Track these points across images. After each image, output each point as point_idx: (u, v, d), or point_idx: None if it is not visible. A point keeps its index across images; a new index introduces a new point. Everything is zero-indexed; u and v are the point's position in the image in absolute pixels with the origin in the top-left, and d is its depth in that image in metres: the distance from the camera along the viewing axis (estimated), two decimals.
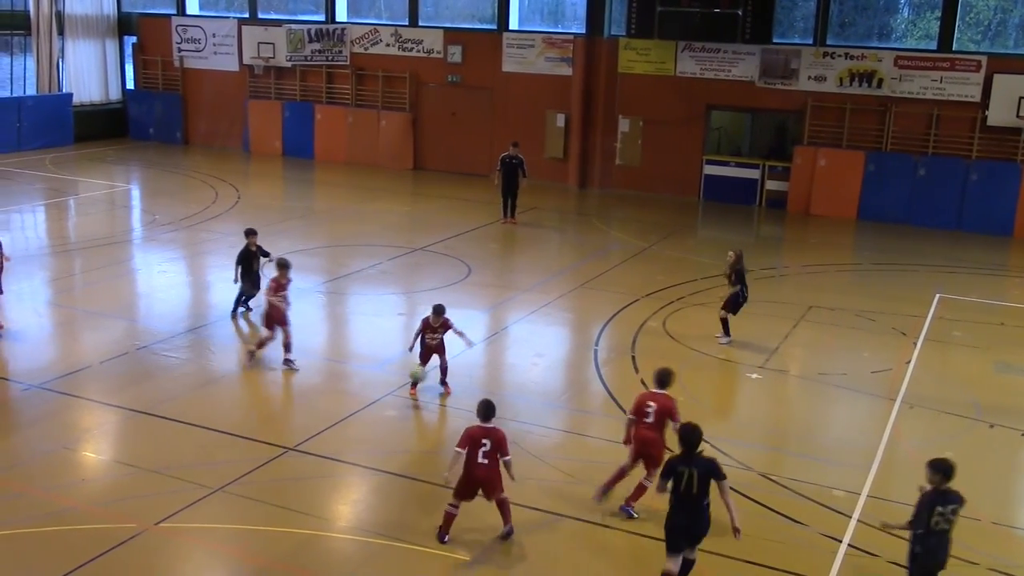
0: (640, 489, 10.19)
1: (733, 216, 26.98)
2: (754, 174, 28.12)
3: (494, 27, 30.74)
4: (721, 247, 23.03)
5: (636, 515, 10.18)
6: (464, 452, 9.39)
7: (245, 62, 33.58)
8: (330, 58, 32.49)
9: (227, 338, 15.56)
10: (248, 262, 15.95)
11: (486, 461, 9.40)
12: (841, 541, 9.86)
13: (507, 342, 15.98)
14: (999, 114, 25.03)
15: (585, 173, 29.99)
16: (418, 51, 31.46)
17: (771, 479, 11.18)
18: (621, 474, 10.36)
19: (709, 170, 28.64)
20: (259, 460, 11.11)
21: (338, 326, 16.91)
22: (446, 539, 9.58)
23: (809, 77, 27.06)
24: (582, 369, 14.93)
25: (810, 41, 27.41)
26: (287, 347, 14.01)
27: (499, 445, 9.46)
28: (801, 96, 27.17)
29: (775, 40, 27.53)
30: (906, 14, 29.24)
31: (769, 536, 9.96)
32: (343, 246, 21.67)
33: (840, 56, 26.76)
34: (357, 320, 16.97)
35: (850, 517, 10.34)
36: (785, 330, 16.75)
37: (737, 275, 15.71)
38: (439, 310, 13.15)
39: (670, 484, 8.52)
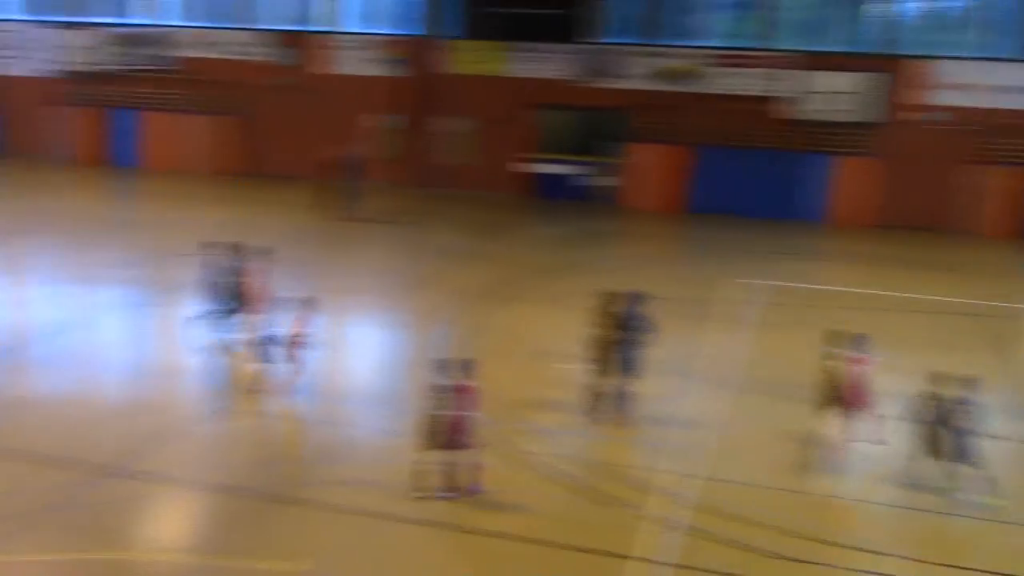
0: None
1: (565, 213, 27.34)
2: (584, 171, 28.61)
3: (327, 29, 30.22)
4: (553, 243, 23.39)
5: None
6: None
7: (66, 68, 31.82)
8: (158, 63, 31.21)
9: (44, 359, 14.66)
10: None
11: (457, 410, 10.21)
12: (680, 523, 10.05)
13: (346, 348, 15.65)
14: (812, 108, 26.32)
15: (419, 173, 29.81)
16: (250, 54, 30.58)
17: (612, 466, 11.32)
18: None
19: (541, 168, 28.98)
20: (72, 484, 10.48)
21: (166, 339, 16.17)
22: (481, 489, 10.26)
23: (635, 75, 27.74)
24: (418, 370, 14.73)
25: (635, 40, 28.09)
26: None
27: (470, 397, 10.32)
28: (628, 94, 27.82)
29: (602, 40, 28.10)
30: (725, 13, 30.32)
31: (601, 522, 10.11)
32: (171, 257, 20.78)
33: (664, 54, 27.55)
34: (186, 332, 16.24)
35: (688, 499, 10.56)
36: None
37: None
38: None
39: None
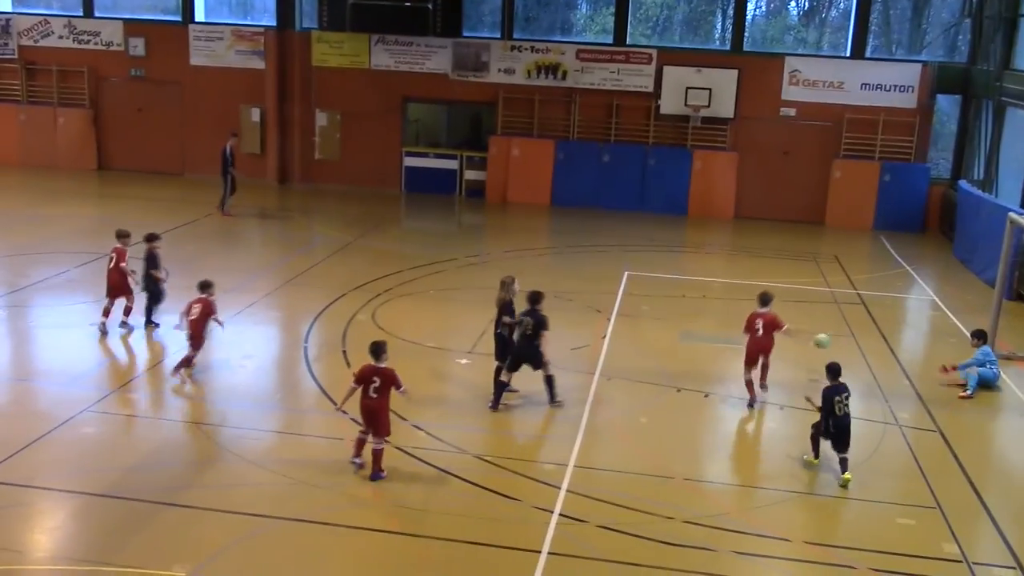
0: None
1: (435, 206, 27.51)
2: (453, 165, 28.82)
3: (179, 19, 29.40)
4: (425, 237, 23.51)
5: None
6: (358, 387, 10.78)
7: None
8: None
9: None
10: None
11: (375, 396, 10.74)
12: (552, 511, 10.35)
13: (212, 345, 15.38)
14: (670, 103, 27.14)
15: (284, 168, 29.46)
16: (96, 43, 29.50)
17: (485, 459, 11.54)
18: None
19: (409, 162, 29.04)
20: None
21: (21, 342, 15.56)
22: (382, 475, 10.73)
23: (499, 70, 28.06)
24: (293, 368, 14.70)
25: (498, 35, 28.40)
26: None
27: (389, 381, 10.77)
28: (493, 88, 28.13)
29: (465, 34, 28.31)
30: (584, 9, 31.00)
31: (484, 515, 10.30)
32: (21, 255, 19.95)
33: (527, 49, 27.94)
34: (43, 334, 15.67)
35: (560, 488, 10.88)
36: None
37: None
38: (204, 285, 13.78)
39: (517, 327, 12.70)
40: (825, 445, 11.59)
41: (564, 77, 27.85)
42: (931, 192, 26.86)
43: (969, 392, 14.45)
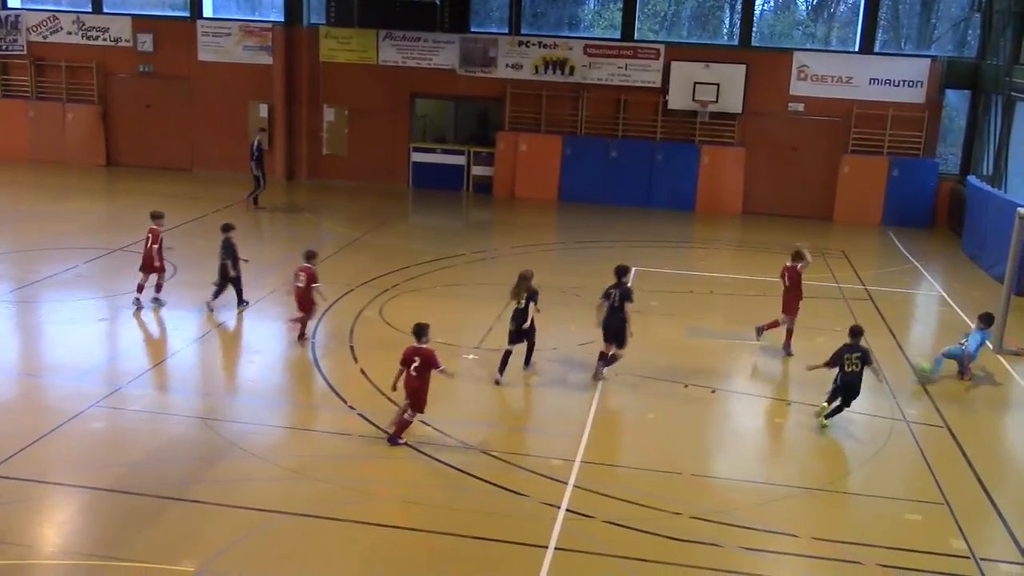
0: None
1: (442, 202, 27.52)
2: (460, 160, 28.83)
3: (187, 14, 29.46)
4: (432, 233, 23.53)
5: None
6: (404, 368, 11.46)
7: None
8: (3, 47, 29.85)
9: None
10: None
11: (415, 375, 11.44)
12: (560, 507, 10.36)
13: (221, 341, 15.46)
14: (678, 99, 27.10)
15: (292, 164, 29.50)
16: (104, 39, 29.58)
17: (492, 455, 11.56)
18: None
19: (416, 157, 29.06)
20: None
21: (30, 337, 15.63)
22: (400, 441, 11.52)
23: (507, 65, 28.05)
24: (301, 363, 14.72)
25: (506, 30, 28.38)
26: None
27: (428, 361, 11.44)
28: (500, 84, 28.12)
29: (473, 29, 28.31)
30: (592, 5, 30.95)
31: (491, 510, 10.31)
32: (32, 250, 20.03)
33: (534, 45, 27.92)
34: (53, 329, 15.75)
35: (567, 483, 10.89)
36: (498, 310, 17.31)
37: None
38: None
39: (604, 302, 13.74)
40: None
41: (572, 72, 27.83)
42: (940, 188, 26.77)
43: (934, 373, 14.68)
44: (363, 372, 13.97)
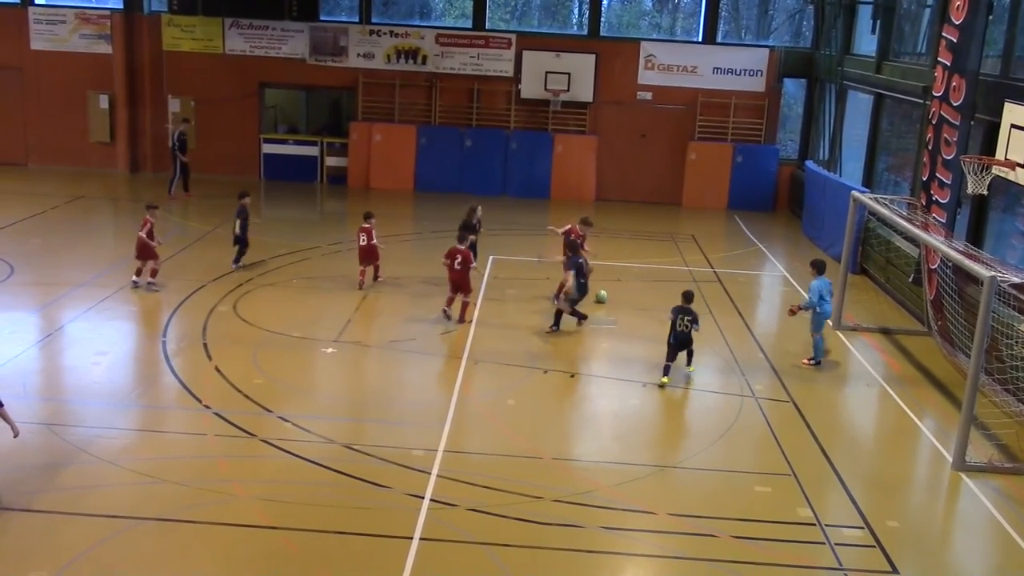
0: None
1: (296, 194, 27.03)
2: (313, 151, 28.38)
3: (17, 0, 27.94)
4: (286, 226, 23.08)
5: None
6: (449, 261, 16.05)
7: None
8: None
9: None
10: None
11: (458, 268, 16.00)
12: (423, 497, 10.37)
13: (63, 343, 14.77)
14: (530, 88, 27.40)
15: (136, 157, 28.42)
16: None
17: (354, 448, 11.47)
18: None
19: (267, 149, 28.44)
20: None
21: None
22: (448, 310, 16.22)
23: (358, 54, 27.75)
24: (151, 363, 14.22)
25: (357, 19, 28.06)
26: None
27: (466, 259, 16.01)
28: (352, 73, 27.81)
29: (322, 18, 27.89)
30: None
31: (354, 504, 10.24)
32: None
33: (386, 34, 27.71)
34: None
35: (430, 473, 10.91)
36: (356, 302, 17.18)
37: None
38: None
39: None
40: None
41: (424, 62, 27.75)
42: (781, 172, 27.93)
43: (814, 360, 15.18)
44: (218, 369, 13.63)
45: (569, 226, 17.56)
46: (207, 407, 12.40)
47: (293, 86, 28.70)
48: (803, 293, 19.18)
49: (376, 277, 18.29)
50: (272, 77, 28.17)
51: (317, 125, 29.40)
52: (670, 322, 14.26)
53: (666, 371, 14.13)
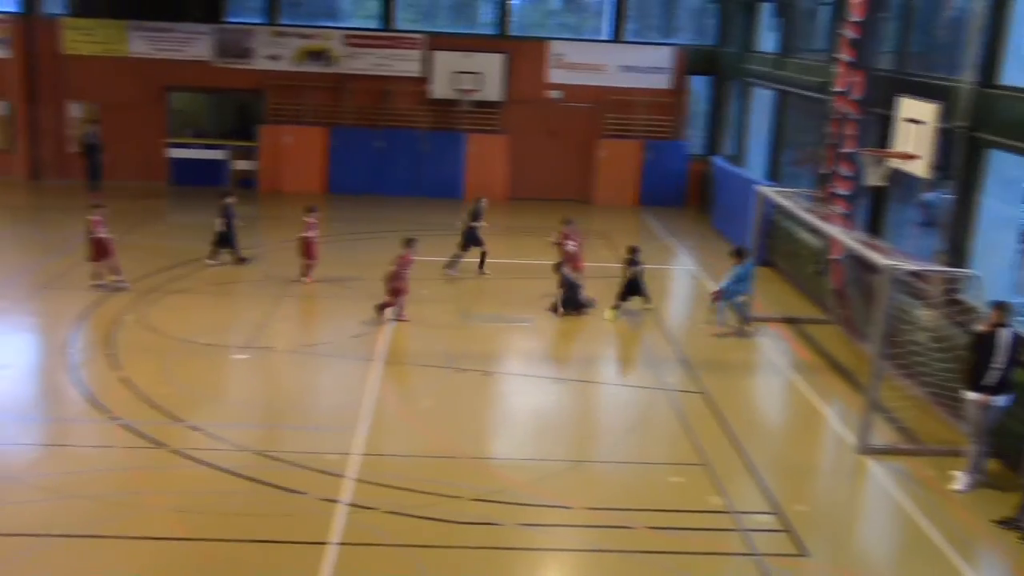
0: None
1: (204, 199, 26.49)
2: (222, 155, 27.91)
3: None
4: (195, 231, 22.64)
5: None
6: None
7: None
8: None
9: None
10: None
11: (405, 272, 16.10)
12: (340, 502, 10.32)
13: None
14: (441, 88, 27.38)
15: (37, 163, 27.59)
16: None
17: (268, 455, 11.34)
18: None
19: (175, 153, 27.87)
20: None
21: None
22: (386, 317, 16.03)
23: (265, 56, 27.39)
24: (56, 375, 13.84)
25: (263, 20, 27.70)
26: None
27: (407, 263, 16.13)
28: (259, 75, 27.44)
29: (228, 20, 27.46)
30: None
31: (270, 512, 10.13)
32: None
33: (293, 35, 27.41)
34: None
35: (347, 477, 10.85)
36: (267, 307, 16.97)
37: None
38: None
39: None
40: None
41: (333, 63, 27.52)
42: (690, 168, 28.40)
43: (722, 329, 16.01)
44: (126, 380, 13.35)
45: (564, 233, 18.22)
46: (116, 418, 12.14)
47: (199, 89, 28.18)
48: (714, 286, 19.57)
49: (308, 276, 18.44)
50: (178, 80, 27.63)
51: (225, 128, 28.92)
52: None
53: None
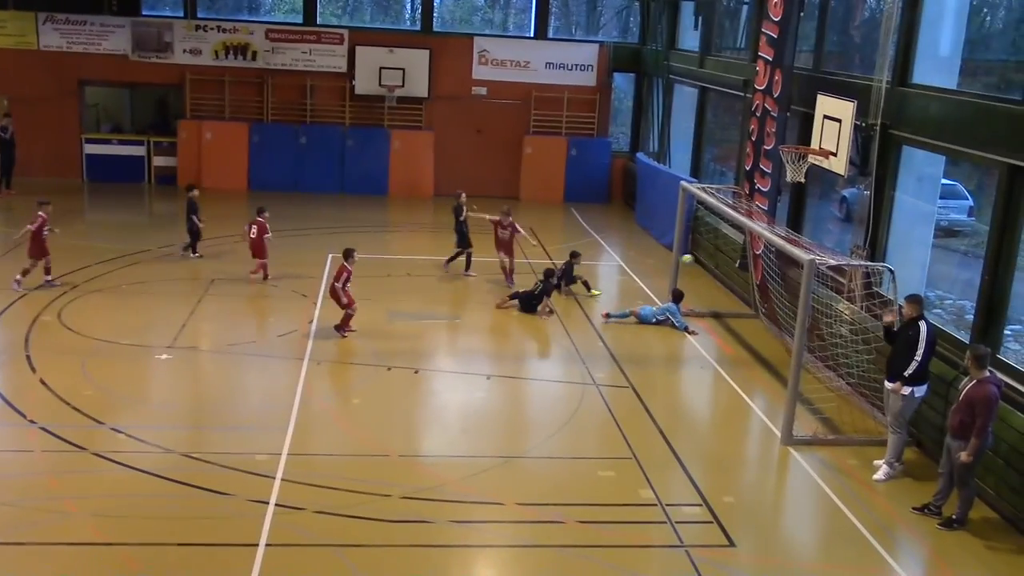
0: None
1: (122, 195, 25.94)
2: (140, 151, 27.32)
3: None
4: (113, 229, 22.14)
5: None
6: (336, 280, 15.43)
7: None
8: None
9: None
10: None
11: (339, 283, 15.29)
12: (268, 503, 10.17)
13: None
14: (364, 83, 27.16)
15: None
16: None
17: (193, 457, 11.12)
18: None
19: (90, 149, 27.18)
20: None
21: None
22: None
23: (185, 50, 26.86)
24: None
25: (181, 14, 27.15)
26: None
27: (345, 272, 15.34)
28: (178, 70, 26.89)
29: (145, 12, 26.88)
30: None
31: (195, 514, 9.94)
32: None
33: (213, 29, 26.92)
34: None
35: (274, 478, 10.70)
36: (190, 306, 16.65)
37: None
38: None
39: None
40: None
41: (254, 58, 27.10)
42: (614, 165, 28.65)
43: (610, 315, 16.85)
44: (43, 382, 12.97)
45: (497, 218, 19.19)
46: (32, 422, 11.78)
47: (116, 83, 27.51)
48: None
49: (259, 273, 18.47)
50: (93, 74, 26.92)
51: (143, 124, 28.28)
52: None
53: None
